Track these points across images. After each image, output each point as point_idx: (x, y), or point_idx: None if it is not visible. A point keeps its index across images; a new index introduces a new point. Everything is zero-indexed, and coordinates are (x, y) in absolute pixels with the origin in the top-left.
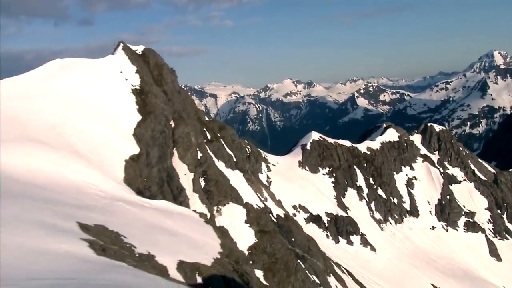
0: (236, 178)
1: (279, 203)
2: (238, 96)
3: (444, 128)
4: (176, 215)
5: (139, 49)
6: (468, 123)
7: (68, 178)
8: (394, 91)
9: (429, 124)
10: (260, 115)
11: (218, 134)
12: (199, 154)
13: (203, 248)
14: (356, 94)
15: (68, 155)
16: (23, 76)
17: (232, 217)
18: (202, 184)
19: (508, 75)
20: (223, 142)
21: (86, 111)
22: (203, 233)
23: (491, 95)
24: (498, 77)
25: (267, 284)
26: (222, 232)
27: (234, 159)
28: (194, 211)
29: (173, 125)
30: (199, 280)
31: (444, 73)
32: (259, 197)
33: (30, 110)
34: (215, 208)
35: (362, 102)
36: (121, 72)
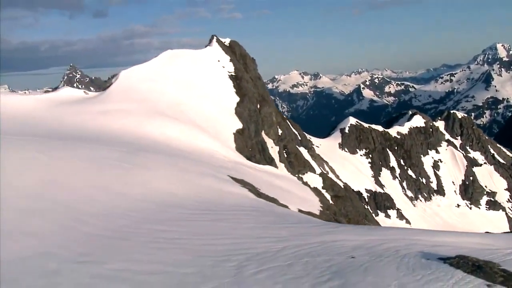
0: (303, 153)
1: (337, 177)
2: None
3: (465, 115)
4: (281, 177)
5: (226, 41)
6: (473, 113)
7: (199, 146)
8: (399, 82)
9: (451, 111)
10: None
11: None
12: (279, 131)
13: (309, 202)
14: (361, 86)
15: (193, 127)
16: (146, 64)
17: (311, 184)
18: (285, 155)
19: (511, 67)
20: (288, 123)
21: (196, 92)
22: (304, 191)
23: (495, 86)
24: (502, 69)
25: None
26: (317, 192)
27: (299, 138)
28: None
29: (258, 106)
30: None
31: (448, 66)
32: (321, 170)
33: (156, 90)
34: (296, 176)
35: (367, 93)
36: (218, 61)
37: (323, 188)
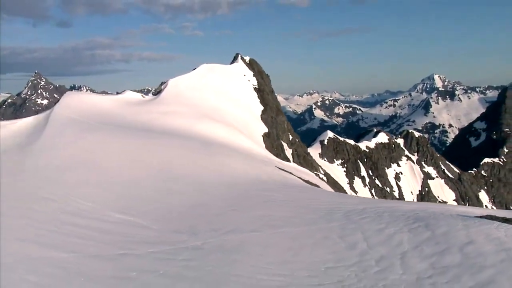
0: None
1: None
2: None
3: (421, 134)
4: (305, 172)
5: (246, 59)
6: None
7: (241, 144)
8: (347, 105)
9: (410, 130)
10: None
11: None
12: (290, 137)
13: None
14: (313, 106)
15: (233, 129)
16: (188, 75)
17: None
18: (297, 157)
19: (447, 96)
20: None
21: (230, 100)
22: (323, 184)
23: (433, 113)
24: (439, 97)
25: None
26: (334, 186)
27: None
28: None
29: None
30: None
31: (390, 92)
32: (317, 174)
33: (199, 97)
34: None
35: (318, 113)
36: (244, 75)
37: (327, 184)
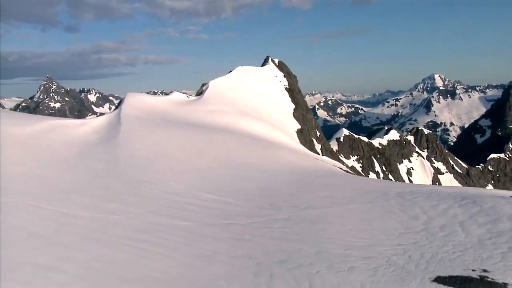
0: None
1: None
2: None
3: (430, 132)
4: (338, 165)
5: (276, 61)
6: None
7: (280, 139)
8: (350, 105)
9: (419, 128)
10: None
11: None
12: (317, 133)
13: None
14: (316, 106)
15: (270, 126)
16: (226, 76)
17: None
18: (325, 151)
19: (448, 95)
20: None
21: (265, 99)
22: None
23: (435, 112)
24: (440, 96)
25: None
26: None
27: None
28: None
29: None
30: None
31: (391, 91)
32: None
33: (237, 97)
34: None
35: (322, 113)
36: (276, 76)
37: None
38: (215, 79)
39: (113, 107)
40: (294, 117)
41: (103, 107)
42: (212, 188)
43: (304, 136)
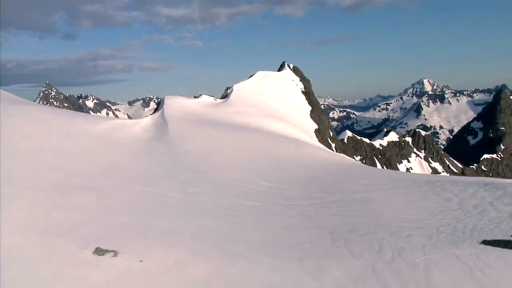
0: None
1: None
2: None
3: (427, 133)
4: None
5: (291, 66)
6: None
7: (300, 138)
8: (342, 109)
9: (417, 130)
10: None
11: None
12: (331, 133)
13: None
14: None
15: (292, 126)
16: (248, 81)
17: None
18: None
19: (437, 99)
20: None
21: (285, 102)
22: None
23: (424, 115)
24: (430, 101)
25: None
26: None
27: None
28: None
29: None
30: None
31: (382, 96)
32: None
33: (260, 100)
34: None
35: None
36: (293, 80)
37: None
38: (238, 83)
39: (110, 113)
40: (311, 118)
41: (100, 113)
42: (264, 177)
43: (321, 136)
